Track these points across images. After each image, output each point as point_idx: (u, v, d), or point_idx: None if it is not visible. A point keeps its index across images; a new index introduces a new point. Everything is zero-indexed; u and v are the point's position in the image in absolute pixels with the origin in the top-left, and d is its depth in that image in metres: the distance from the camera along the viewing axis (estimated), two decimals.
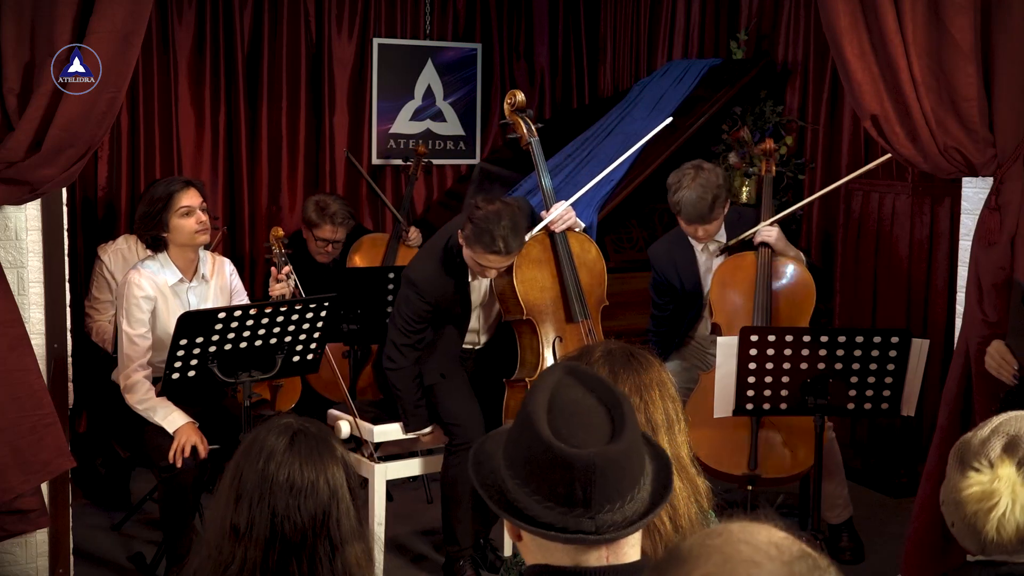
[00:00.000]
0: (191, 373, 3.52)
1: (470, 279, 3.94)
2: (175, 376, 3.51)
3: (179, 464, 3.64)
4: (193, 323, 3.46)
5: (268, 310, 3.54)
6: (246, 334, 3.53)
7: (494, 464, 1.58)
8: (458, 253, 3.85)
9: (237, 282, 4.15)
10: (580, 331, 3.98)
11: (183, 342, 3.45)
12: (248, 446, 1.87)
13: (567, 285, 3.97)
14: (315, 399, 4.88)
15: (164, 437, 3.74)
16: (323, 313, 3.65)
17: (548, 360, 3.93)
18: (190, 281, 3.93)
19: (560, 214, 3.98)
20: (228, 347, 3.51)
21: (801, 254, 4.21)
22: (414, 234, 5.39)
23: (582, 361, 2.01)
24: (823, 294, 4.41)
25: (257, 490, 1.81)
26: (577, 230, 4.10)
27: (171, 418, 3.74)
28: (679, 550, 1.13)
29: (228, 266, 4.13)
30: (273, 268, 4.14)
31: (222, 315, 3.47)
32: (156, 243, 3.89)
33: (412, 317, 3.87)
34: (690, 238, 4.27)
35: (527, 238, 3.86)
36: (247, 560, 1.80)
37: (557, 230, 3.99)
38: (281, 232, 4.28)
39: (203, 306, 3.91)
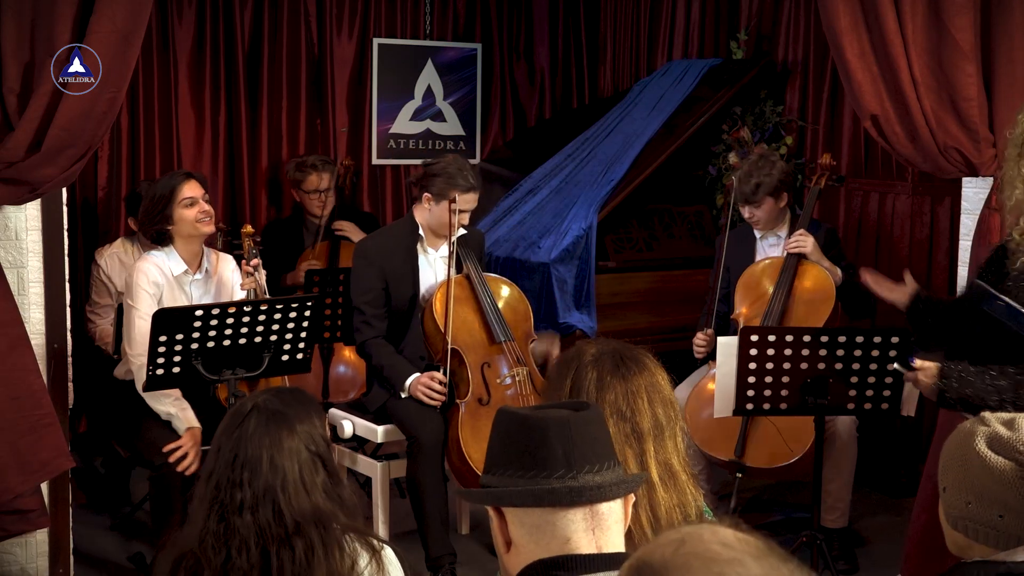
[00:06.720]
0: (175, 369, 3.51)
1: (423, 252, 4.06)
2: (159, 372, 3.49)
3: (172, 460, 3.65)
4: (169, 320, 3.44)
5: (248, 309, 3.53)
6: (228, 332, 3.52)
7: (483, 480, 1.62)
8: (413, 226, 4.03)
9: (239, 278, 4.16)
10: (507, 354, 4.02)
11: (162, 339, 3.44)
12: (226, 423, 2.02)
13: (487, 313, 4.05)
14: None
15: (160, 433, 3.74)
16: (307, 313, 3.65)
17: (480, 384, 3.96)
18: (194, 274, 3.96)
19: None
20: (211, 344, 3.50)
21: (837, 269, 4.18)
22: (347, 225, 5.34)
23: (573, 363, 1.99)
24: (859, 310, 4.29)
25: (226, 468, 1.95)
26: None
27: (186, 415, 3.77)
28: (651, 565, 1.10)
29: (231, 263, 4.15)
30: (243, 262, 4.16)
31: (199, 313, 3.46)
32: (161, 237, 3.91)
33: (363, 286, 3.99)
34: (754, 229, 4.44)
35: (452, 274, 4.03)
36: (229, 536, 1.92)
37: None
38: (251, 229, 4.33)
39: (204, 300, 3.94)
